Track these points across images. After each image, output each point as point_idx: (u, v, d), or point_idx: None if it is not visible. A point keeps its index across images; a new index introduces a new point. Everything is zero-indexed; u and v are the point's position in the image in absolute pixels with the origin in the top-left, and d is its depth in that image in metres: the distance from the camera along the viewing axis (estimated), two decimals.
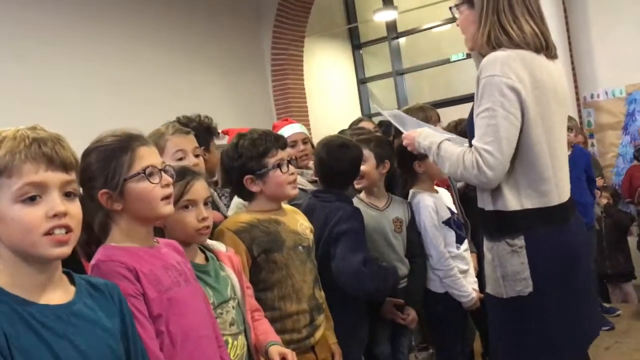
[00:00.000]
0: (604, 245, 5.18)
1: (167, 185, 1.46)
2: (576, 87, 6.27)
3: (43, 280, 1.10)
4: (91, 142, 1.48)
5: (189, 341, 1.42)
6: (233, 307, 1.70)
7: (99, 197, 1.41)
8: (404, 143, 2.15)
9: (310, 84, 7.49)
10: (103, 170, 1.42)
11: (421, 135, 2.03)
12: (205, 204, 1.74)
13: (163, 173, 1.46)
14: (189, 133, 2.26)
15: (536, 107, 1.81)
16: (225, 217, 2.26)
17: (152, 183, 1.43)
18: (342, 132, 3.14)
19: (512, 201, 1.84)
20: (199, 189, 1.72)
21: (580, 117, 6.24)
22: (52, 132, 1.12)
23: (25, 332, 1.04)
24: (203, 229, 1.70)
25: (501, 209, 1.86)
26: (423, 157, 2.40)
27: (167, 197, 1.46)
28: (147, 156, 1.45)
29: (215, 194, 2.56)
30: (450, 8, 2.01)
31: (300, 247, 2.06)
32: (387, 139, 2.87)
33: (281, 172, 2.03)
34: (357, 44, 8.47)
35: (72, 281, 1.18)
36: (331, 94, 7.91)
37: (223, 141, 2.71)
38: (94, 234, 1.43)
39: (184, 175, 1.69)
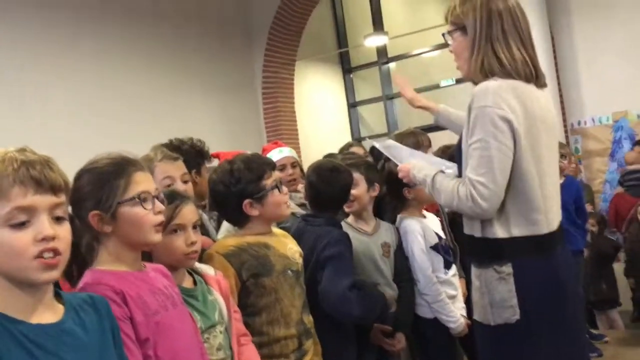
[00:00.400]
0: (588, 272, 5.20)
1: (159, 212, 1.46)
2: (563, 114, 6.35)
3: (34, 302, 1.10)
4: (85, 163, 1.48)
5: None
6: (220, 332, 1.69)
7: (90, 218, 1.41)
8: (400, 175, 2.17)
9: (300, 107, 7.54)
10: (96, 192, 1.42)
11: (415, 168, 2.06)
12: (194, 227, 1.73)
13: (156, 200, 1.46)
14: (177, 159, 2.27)
15: (527, 137, 1.82)
16: (214, 241, 2.25)
17: (145, 209, 1.43)
18: (331, 155, 3.15)
19: (501, 229, 1.85)
20: (188, 213, 1.72)
21: (567, 143, 6.30)
22: (41, 154, 1.12)
23: (17, 350, 1.03)
24: (192, 253, 1.70)
25: (489, 236, 1.86)
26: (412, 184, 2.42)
27: (158, 225, 1.46)
28: (142, 182, 1.45)
29: (205, 217, 2.55)
30: (444, 34, 2.03)
31: (289, 272, 2.05)
32: (375, 164, 2.88)
33: (279, 192, 2.05)
34: (347, 68, 8.55)
35: (60, 299, 1.17)
36: (321, 117, 7.96)
37: (213, 164, 2.71)
38: (78, 254, 1.41)
39: (172, 199, 1.69)
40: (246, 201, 2.02)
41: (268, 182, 2.04)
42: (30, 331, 1.06)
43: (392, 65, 8.28)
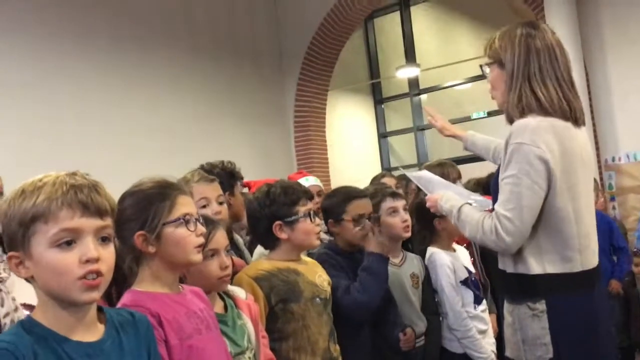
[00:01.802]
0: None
1: (201, 234, 1.51)
2: (597, 149, 6.27)
3: (75, 320, 1.13)
4: (129, 187, 1.54)
5: None
6: (249, 358, 1.70)
7: (135, 238, 1.45)
8: (427, 205, 2.17)
9: (331, 136, 7.59)
10: (142, 213, 1.47)
11: (443, 199, 2.05)
12: (227, 251, 1.77)
13: (198, 222, 1.51)
14: (213, 181, 2.31)
15: (563, 175, 1.82)
16: (247, 264, 2.28)
17: (190, 230, 1.48)
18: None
19: (535, 265, 1.83)
20: (220, 238, 1.76)
21: (601, 179, 6.21)
22: (90, 178, 1.17)
23: None
24: (225, 277, 1.74)
25: (523, 272, 1.85)
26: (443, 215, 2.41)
27: (199, 246, 1.51)
28: (186, 204, 1.51)
29: (241, 240, 2.58)
30: (481, 66, 2.04)
31: (317, 299, 2.06)
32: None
33: (311, 221, 2.08)
34: (379, 99, 8.61)
35: (103, 315, 1.21)
36: (352, 147, 8.00)
37: (244, 191, 2.74)
38: (118, 275, 1.45)
39: (205, 225, 1.73)
40: (276, 223, 2.07)
41: (301, 209, 2.08)
42: (71, 349, 1.10)
43: (423, 97, 8.31)
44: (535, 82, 1.87)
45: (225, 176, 2.55)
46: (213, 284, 1.72)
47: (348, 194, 2.45)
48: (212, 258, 1.72)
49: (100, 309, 1.21)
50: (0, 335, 1.12)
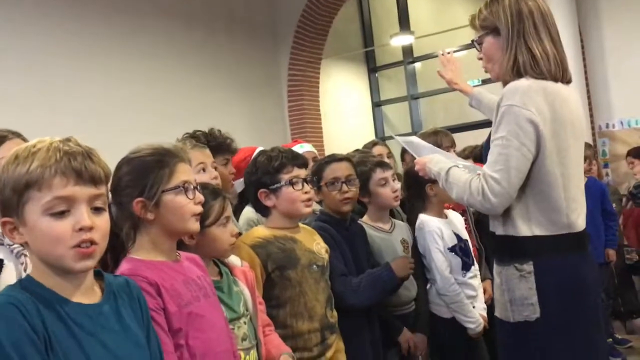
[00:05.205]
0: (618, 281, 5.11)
1: (199, 203, 1.52)
2: (591, 116, 6.28)
3: (72, 286, 1.15)
4: (128, 152, 1.54)
5: (208, 355, 1.45)
6: (245, 323, 1.73)
7: (134, 204, 1.46)
8: (416, 168, 2.18)
9: (325, 105, 7.56)
10: (140, 180, 1.47)
11: (432, 161, 2.06)
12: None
13: (196, 191, 1.51)
14: (205, 148, 2.31)
15: (552, 139, 1.83)
16: (240, 233, 2.29)
17: (188, 198, 1.49)
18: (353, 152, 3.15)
19: (523, 227, 1.86)
20: (229, 207, 1.79)
21: (595, 146, 6.23)
22: (85, 145, 1.16)
23: (59, 326, 1.08)
24: (234, 243, 1.79)
25: (511, 233, 1.88)
26: (435, 180, 2.42)
27: (197, 214, 1.52)
28: (185, 172, 1.52)
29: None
30: (473, 41, 2.03)
31: (314, 266, 2.08)
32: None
33: (294, 189, 2.06)
34: (373, 67, 8.55)
35: (101, 280, 1.22)
36: (346, 116, 7.97)
37: None
38: (116, 241, 1.46)
39: (218, 194, 1.76)
40: (261, 190, 2.08)
41: (285, 176, 2.07)
42: (71, 309, 1.11)
43: (417, 65, 8.25)
44: (531, 38, 1.88)
45: (217, 146, 2.54)
46: (225, 249, 1.76)
47: (321, 160, 2.56)
48: (226, 226, 1.75)
49: (99, 274, 1.22)
50: (2, 291, 1.13)
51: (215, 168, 2.29)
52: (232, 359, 1.54)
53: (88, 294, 1.17)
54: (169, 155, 1.51)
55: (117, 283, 1.25)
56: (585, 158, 4.00)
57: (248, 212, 2.48)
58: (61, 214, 1.10)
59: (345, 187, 2.40)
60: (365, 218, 2.67)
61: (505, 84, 1.92)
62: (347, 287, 2.25)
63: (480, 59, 2.02)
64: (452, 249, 2.68)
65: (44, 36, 5.00)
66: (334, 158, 2.51)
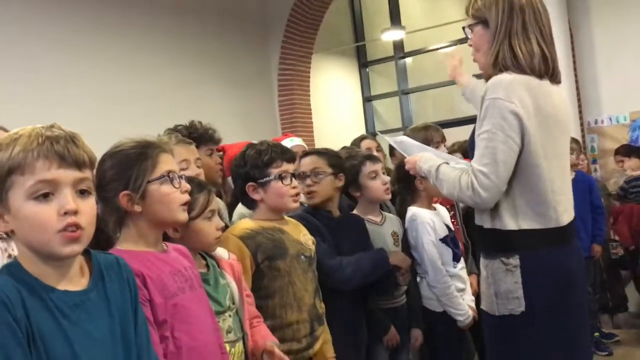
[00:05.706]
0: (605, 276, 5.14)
1: (186, 191, 1.52)
2: (580, 112, 6.31)
3: (58, 274, 1.13)
4: (109, 148, 1.52)
5: (194, 348, 1.45)
6: (230, 316, 1.72)
7: (120, 198, 1.45)
8: (407, 167, 2.19)
9: (316, 100, 7.55)
10: (124, 173, 1.46)
11: (422, 160, 2.07)
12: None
13: (181, 179, 1.51)
14: (190, 144, 2.30)
15: (537, 133, 1.83)
16: (227, 226, 2.28)
17: (174, 187, 1.48)
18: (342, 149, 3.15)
19: (509, 221, 1.87)
20: (215, 200, 1.79)
21: (584, 142, 6.26)
22: (68, 130, 1.15)
23: (44, 316, 1.07)
24: (220, 237, 1.78)
25: (498, 227, 1.89)
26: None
27: (184, 203, 1.52)
28: (167, 162, 1.51)
29: (222, 204, 2.59)
30: (464, 28, 2.03)
31: (302, 257, 2.09)
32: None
33: (282, 183, 2.07)
34: (363, 62, 8.55)
35: (90, 260, 1.20)
36: (336, 110, 7.97)
37: None
38: (101, 235, 1.45)
39: (203, 187, 1.76)
40: (249, 184, 2.08)
41: (274, 170, 2.07)
42: (58, 298, 1.10)
43: (408, 60, 8.25)
44: (516, 38, 1.87)
45: (199, 137, 2.53)
46: (210, 243, 1.75)
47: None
48: (211, 219, 1.74)
49: (87, 252, 1.20)
50: None
51: (200, 166, 2.28)
52: (219, 352, 1.54)
53: (75, 280, 1.16)
54: (151, 147, 1.50)
55: (107, 261, 1.24)
56: (572, 151, 4.02)
57: (241, 207, 2.48)
58: (45, 197, 1.08)
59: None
60: (355, 211, 2.68)
61: (487, 78, 1.92)
62: (334, 262, 2.26)
63: (471, 45, 2.02)
64: (443, 240, 2.70)
65: (34, 29, 4.95)
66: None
